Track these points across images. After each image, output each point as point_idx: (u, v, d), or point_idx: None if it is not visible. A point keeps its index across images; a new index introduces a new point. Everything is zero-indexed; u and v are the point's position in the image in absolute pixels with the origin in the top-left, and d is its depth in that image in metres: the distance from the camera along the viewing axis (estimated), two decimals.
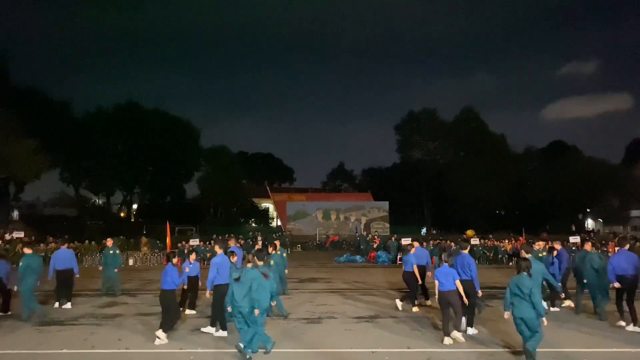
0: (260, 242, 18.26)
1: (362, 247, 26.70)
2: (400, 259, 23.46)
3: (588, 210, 50.16)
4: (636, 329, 8.69)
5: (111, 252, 13.42)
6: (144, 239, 26.66)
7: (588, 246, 10.49)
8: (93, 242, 24.63)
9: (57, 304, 11.26)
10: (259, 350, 7.24)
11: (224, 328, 8.48)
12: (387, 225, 43.83)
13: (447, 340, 7.85)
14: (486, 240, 26.54)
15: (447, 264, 8.22)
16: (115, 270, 13.18)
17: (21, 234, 22.58)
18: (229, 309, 7.45)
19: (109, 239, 14.16)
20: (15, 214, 46.06)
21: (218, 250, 9.18)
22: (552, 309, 10.44)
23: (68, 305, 11.24)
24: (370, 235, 30.62)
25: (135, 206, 51.81)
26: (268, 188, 53.07)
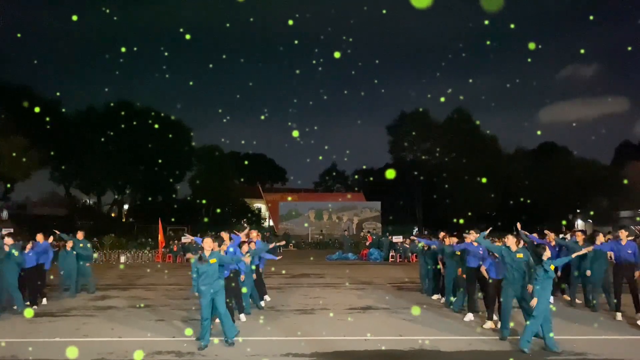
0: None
1: (347, 244, 26.60)
2: (392, 257, 23.67)
3: (578, 211, 50.60)
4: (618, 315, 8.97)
5: (81, 245, 12.52)
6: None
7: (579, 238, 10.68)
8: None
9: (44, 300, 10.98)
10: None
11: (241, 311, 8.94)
12: (379, 225, 43.92)
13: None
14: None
15: None
16: (87, 264, 12.50)
17: (10, 231, 22.32)
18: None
19: (79, 232, 12.89)
20: (5, 213, 45.58)
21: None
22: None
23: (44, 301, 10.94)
24: (362, 234, 30.68)
25: (126, 206, 51.44)
26: (260, 188, 53.00)
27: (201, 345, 7.05)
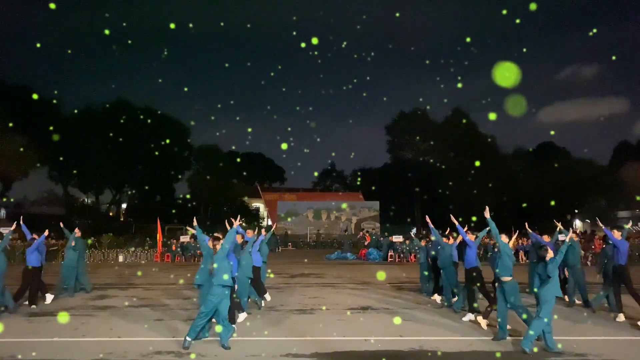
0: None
1: (346, 244, 26.54)
2: (391, 257, 23.64)
3: (576, 211, 50.68)
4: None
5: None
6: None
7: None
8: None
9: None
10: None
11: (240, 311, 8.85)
12: (378, 224, 43.93)
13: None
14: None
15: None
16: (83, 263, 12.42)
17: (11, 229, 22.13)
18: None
19: (76, 230, 12.54)
20: (2, 212, 45.47)
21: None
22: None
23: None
24: (361, 233, 30.65)
25: (124, 205, 51.36)
26: (259, 188, 52.95)
27: (187, 339, 7.01)
